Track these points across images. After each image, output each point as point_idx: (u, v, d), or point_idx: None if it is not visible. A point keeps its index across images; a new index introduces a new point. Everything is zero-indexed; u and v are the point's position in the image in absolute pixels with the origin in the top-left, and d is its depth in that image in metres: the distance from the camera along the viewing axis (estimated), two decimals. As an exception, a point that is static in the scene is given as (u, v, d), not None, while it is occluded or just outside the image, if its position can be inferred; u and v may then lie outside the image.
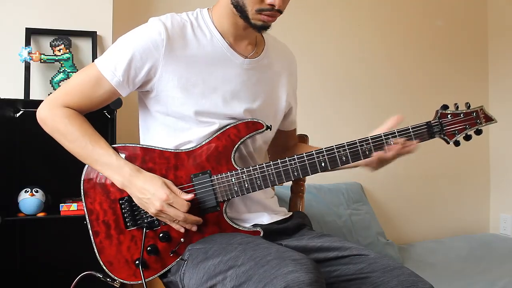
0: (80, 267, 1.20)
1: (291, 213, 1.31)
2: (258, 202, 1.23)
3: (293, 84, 1.36)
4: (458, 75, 2.97)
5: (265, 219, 1.21)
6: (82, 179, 1.16)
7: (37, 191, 1.70)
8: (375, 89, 2.75)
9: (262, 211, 1.23)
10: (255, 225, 1.19)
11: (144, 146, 1.16)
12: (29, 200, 1.67)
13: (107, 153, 1.12)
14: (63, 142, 1.15)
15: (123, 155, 1.14)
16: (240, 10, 1.13)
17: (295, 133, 1.47)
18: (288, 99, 1.32)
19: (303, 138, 1.52)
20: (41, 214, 1.69)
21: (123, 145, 1.16)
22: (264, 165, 1.14)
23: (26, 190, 1.69)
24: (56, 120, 1.14)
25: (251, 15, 1.12)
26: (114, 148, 1.15)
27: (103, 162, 1.12)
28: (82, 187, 1.16)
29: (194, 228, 1.12)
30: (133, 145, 1.17)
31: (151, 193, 1.08)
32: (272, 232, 1.18)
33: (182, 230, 1.12)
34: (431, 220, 2.90)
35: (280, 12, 1.14)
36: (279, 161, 1.14)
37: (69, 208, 1.70)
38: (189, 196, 1.11)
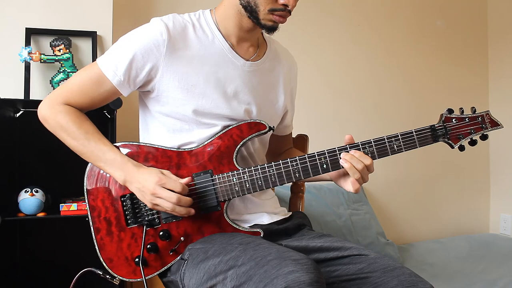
0: (80, 267, 1.20)
1: (290, 213, 1.31)
2: (258, 202, 1.23)
3: (292, 89, 1.37)
4: (458, 75, 2.98)
5: (265, 219, 1.21)
6: (85, 175, 1.17)
7: (37, 191, 1.70)
8: (375, 89, 2.75)
9: (262, 211, 1.23)
10: (255, 226, 1.19)
11: (147, 144, 1.17)
12: (29, 200, 1.67)
13: (110, 150, 1.12)
14: (65, 140, 1.15)
15: (126, 153, 1.15)
16: (251, 10, 1.13)
17: (290, 138, 1.47)
18: (285, 103, 1.33)
19: (303, 138, 1.52)
20: (41, 214, 1.69)
21: (126, 143, 1.17)
22: (265, 165, 1.14)
23: (26, 190, 1.69)
24: (58, 118, 1.14)
25: (263, 15, 1.12)
26: (117, 146, 1.15)
27: (106, 158, 1.12)
28: (85, 184, 1.16)
29: (192, 212, 1.09)
30: (136, 143, 1.17)
31: (145, 179, 1.08)
32: (272, 232, 1.17)
33: (183, 212, 1.08)
34: (431, 220, 2.90)
35: (290, 13, 1.14)
36: (280, 162, 1.14)
37: (69, 208, 1.70)
38: (185, 180, 1.11)
